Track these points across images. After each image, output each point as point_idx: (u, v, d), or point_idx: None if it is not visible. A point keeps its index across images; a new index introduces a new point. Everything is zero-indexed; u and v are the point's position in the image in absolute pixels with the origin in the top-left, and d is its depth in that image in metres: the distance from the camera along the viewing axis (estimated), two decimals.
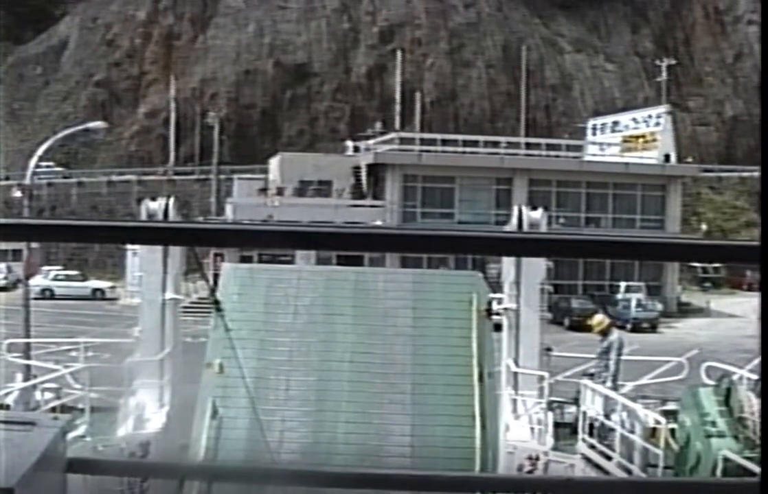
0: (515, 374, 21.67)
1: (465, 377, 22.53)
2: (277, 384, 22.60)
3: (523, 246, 3.06)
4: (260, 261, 40.50)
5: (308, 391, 22.62)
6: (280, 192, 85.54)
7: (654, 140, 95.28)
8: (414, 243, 2.46)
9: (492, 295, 24.12)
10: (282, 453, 21.27)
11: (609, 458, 20.14)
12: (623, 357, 24.69)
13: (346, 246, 2.34)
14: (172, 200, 23.58)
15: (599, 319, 25.56)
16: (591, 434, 21.14)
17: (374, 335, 23.57)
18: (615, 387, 22.83)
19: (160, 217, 22.35)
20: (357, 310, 23.96)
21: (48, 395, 22.63)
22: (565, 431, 22.62)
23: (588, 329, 27.99)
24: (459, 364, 22.84)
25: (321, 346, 23.45)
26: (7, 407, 20.61)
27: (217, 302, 23.23)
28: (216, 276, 25.82)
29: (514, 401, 21.52)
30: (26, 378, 24.74)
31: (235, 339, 22.39)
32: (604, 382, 23.06)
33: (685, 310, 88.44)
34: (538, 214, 23.56)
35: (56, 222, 2.63)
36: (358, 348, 23.22)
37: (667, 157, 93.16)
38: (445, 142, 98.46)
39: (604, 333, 24.60)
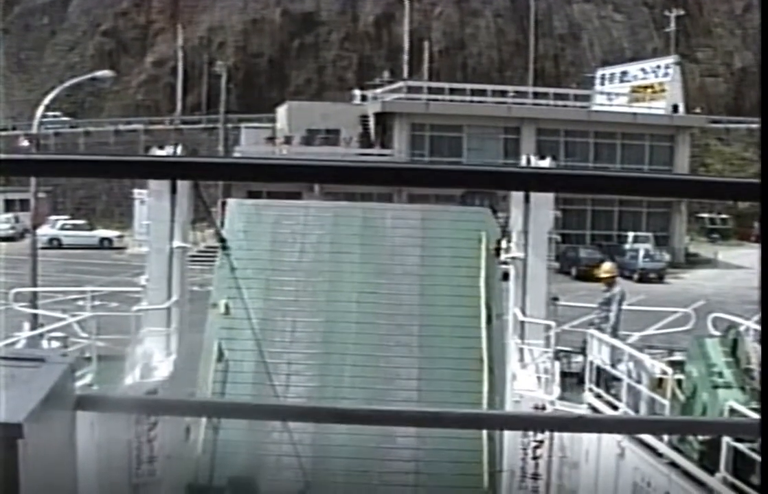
0: (522, 323, 21.62)
1: (473, 318, 22.41)
2: (283, 326, 22.51)
3: (529, 180, 3.05)
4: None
5: (314, 333, 22.52)
6: (287, 140, 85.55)
7: (662, 91, 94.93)
8: (422, 177, 2.46)
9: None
10: (288, 397, 21.28)
11: (615, 408, 20.17)
12: (624, 308, 24.67)
13: (350, 179, 2.33)
14: (179, 148, 23.61)
15: (609, 267, 25.49)
16: (598, 384, 21.18)
17: (381, 274, 23.42)
18: (615, 339, 22.83)
19: None
20: (364, 248, 23.75)
21: (55, 344, 22.67)
22: (572, 380, 22.64)
23: (595, 279, 27.96)
24: (467, 305, 22.69)
25: (327, 286, 23.30)
26: None
27: (222, 240, 23.17)
28: (224, 224, 25.71)
29: (521, 350, 21.48)
30: (33, 327, 24.78)
31: (240, 279, 22.33)
32: (605, 333, 23.06)
33: (693, 261, 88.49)
34: (546, 163, 23.51)
35: (64, 157, 2.63)
36: (365, 288, 23.08)
37: (675, 108, 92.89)
38: (453, 91, 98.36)
39: (610, 283, 24.56)
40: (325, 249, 23.91)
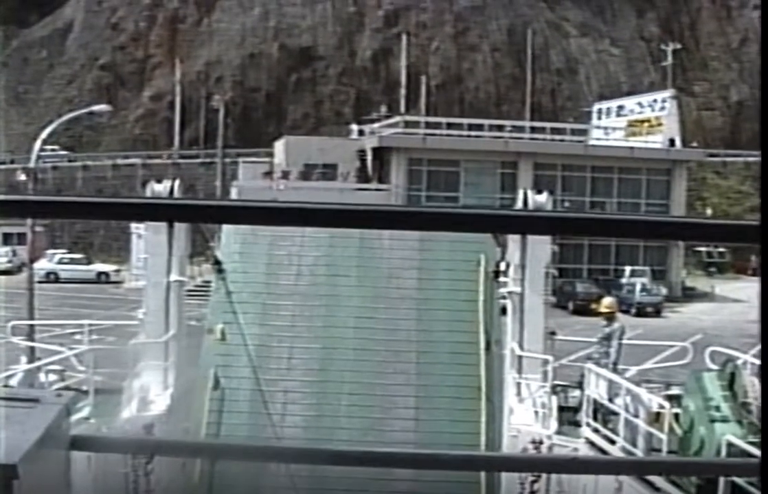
0: (519, 357, 21.53)
1: (471, 345, 22.17)
2: (280, 353, 22.30)
3: (528, 223, 3.06)
4: None
5: (311, 360, 22.30)
6: (285, 175, 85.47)
7: (659, 124, 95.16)
8: (419, 220, 2.47)
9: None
10: (284, 426, 21.12)
11: (613, 442, 20.13)
12: (624, 342, 24.61)
13: (347, 223, 2.34)
14: (177, 183, 23.53)
15: (609, 303, 25.39)
16: (595, 418, 21.14)
17: (379, 298, 23.13)
18: (615, 374, 22.79)
19: None
20: (361, 271, 23.44)
21: (52, 377, 22.66)
22: (569, 415, 22.58)
23: (592, 313, 27.94)
24: (465, 331, 22.43)
25: (324, 311, 23.03)
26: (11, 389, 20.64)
27: (218, 262, 23.01)
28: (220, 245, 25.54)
29: (518, 384, 21.38)
30: (30, 361, 24.77)
31: (236, 303, 22.17)
32: (605, 368, 23.00)
33: (690, 295, 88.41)
34: (543, 197, 23.42)
35: (61, 198, 2.64)
36: (363, 313, 22.80)
37: (672, 142, 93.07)
38: (450, 126, 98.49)
39: (610, 318, 24.46)
40: (321, 271, 23.69)
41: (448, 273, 23.52)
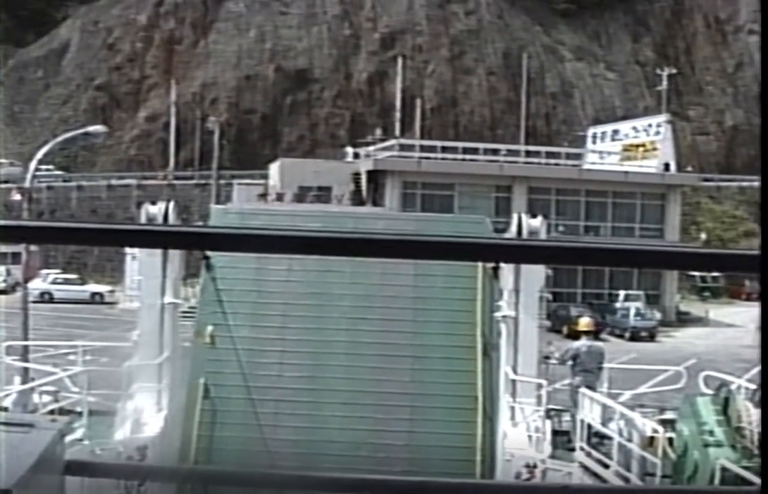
0: (513, 382, 21.42)
1: (468, 349, 21.66)
2: (270, 357, 21.69)
3: (523, 253, 3.07)
4: None
5: (302, 366, 21.77)
6: (279, 197, 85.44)
7: (654, 149, 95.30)
8: (413, 248, 2.48)
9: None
10: (276, 438, 20.79)
11: (606, 466, 20.12)
12: (607, 366, 24.69)
13: (342, 251, 2.35)
14: (171, 204, 23.40)
15: (587, 322, 25.64)
16: (589, 442, 21.13)
17: (372, 296, 22.56)
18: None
19: (160, 221, 22.16)
20: (355, 265, 22.45)
21: (46, 398, 22.59)
22: (563, 439, 22.56)
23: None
24: (462, 334, 21.96)
25: (316, 311, 22.47)
26: (5, 409, 20.59)
27: (206, 257, 22.54)
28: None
29: (512, 408, 21.27)
30: (24, 381, 24.70)
31: (225, 302, 21.79)
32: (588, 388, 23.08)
33: (684, 319, 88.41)
34: (537, 221, 23.30)
35: (55, 224, 2.65)
36: (356, 314, 22.26)
37: (666, 166, 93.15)
38: (444, 149, 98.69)
39: (587, 335, 24.79)
40: (313, 266, 22.63)
41: (445, 268, 22.86)
